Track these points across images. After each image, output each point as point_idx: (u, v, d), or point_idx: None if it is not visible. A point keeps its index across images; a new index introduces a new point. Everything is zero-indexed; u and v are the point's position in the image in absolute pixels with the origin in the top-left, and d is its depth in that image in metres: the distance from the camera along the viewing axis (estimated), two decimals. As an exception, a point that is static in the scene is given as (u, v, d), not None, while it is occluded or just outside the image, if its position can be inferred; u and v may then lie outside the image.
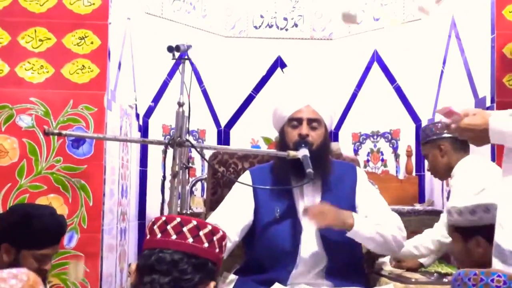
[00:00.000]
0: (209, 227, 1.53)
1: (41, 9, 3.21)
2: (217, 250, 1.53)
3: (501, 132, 1.69)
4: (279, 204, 2.32)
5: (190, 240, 1.49)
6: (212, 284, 1.51)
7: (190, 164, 4.42)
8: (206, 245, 1.50)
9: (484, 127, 1.71)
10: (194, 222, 1.52)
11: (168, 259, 1.46)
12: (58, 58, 3.19)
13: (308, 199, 2.33)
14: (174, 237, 1.49)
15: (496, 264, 1.71)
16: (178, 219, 1.52)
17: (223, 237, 1.56)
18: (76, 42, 3.21)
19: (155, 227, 1.53)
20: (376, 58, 4.77)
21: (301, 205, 2.31)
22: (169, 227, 1.51)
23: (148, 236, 1.54)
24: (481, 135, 1.72)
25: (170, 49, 2.35)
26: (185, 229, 1.50)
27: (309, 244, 2.27)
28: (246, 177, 2.41)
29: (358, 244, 2.39)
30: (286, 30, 5.11)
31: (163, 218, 1.53)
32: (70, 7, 3.22)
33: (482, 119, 1.72)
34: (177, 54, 2.36)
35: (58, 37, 3.20)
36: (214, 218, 2.32)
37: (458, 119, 1.75)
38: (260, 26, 5.11)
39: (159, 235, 1.51)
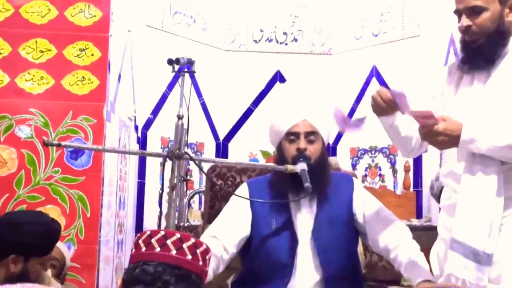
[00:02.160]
0: (192, 240, 1.56)
1: (42, 20, 3.23)
2: (200, 262, 1.55)
3: (471, 139, 1.86)
4: (276, 217, 2.32)
5: (174, 252, 1.52)
6: None
7: (188, 177, 4.42)
8: (189, 257, 1.53)
9: (457, 132, 1.87)
10: (178, 235, 1.55)
11: (152, 271, 1.48)
12: (59, 70, 3.20)
13: (305, 210, 2.33)
14: (158, 249, 1.53)
15: (467, 263, 1.86)
16: (162, 233, 1.55)
17: (207, 250, 1.59)
18: (77, 53, 3.23)
19: (140, 241, 1.57)
20: (375, 73, 4.79)
21: (298, 218, 2.32)
22: (153, 240, 1.54)
23: (133, 251, 1.57)
24: (452, 140, 1.87)
25: (170, 62, 2.36)
26: (168, 241, 1.53)
27: (305, 256, 2.27)
28: (243, 189, 2.41)
29: (355, 256, 2.39)
30: (286, 44, 5.13)
31: (148, 232, 1.57)
32: (71, 19, 3.25)
33: (458, 126, 1.87)
34: (176, 67, 2.37)
35: (58, 49, 3.22)
36: (211, 230, 2.32)
37: (434, 123, 1.87)
38: (260, 40, 5.13)
39: (143, 249, 1.54)
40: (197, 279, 1.53)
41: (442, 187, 2.21)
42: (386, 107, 2.00)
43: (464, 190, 1.93)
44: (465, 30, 1.97)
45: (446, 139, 1.88)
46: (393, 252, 2.24)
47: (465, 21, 1.95)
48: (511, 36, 1.99)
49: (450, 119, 1.89)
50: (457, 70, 2.09)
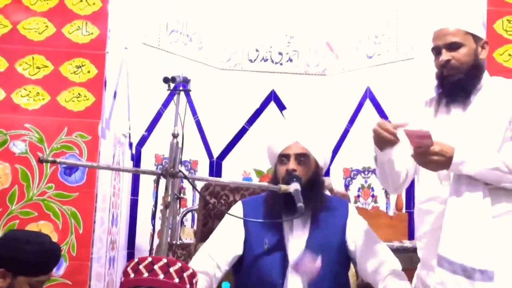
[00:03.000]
0: (179, 264, 1.62)
1: (40, 37, 3.26)
2: (187, 286, 1.60)
3: (462, 161, 1.96)
4: (269, 237, 2.33)
5: (161, 276, 1.58)
6: None
7: (182, 195, 4.42)
8: (176, 280, 1.58)
9: (450, 154, 1.96)
10: (165, 260, 1.61)
11: None
12: (55, 86, 3.22)
13: (297, 233, 2.34)
14: (146, 275, 1.58)
15: (457, 279, 1.93)
16: (149, 259, 1.61)
17: (193, 274, 1.64)
18: (73, 70, 3.25)
19: (128, 268, 1.63)
20: (368, 95, 4.83)
21: (290, 239, 2.33)
22: (141, 266, 1.60)
23: (122, 279, 1.62)
24: (446, 161, 1.96)
25: (166, 80, 2.39)
26: (156, 267, 1.59)
27: (295, 278, 2.28)
28: (238, 208, 2.43)
29: (346, 280, 2.40)
30: (281, 64, 5.17)
31: (136, 260, 1.62)
32: (68, 36, 3.27)
33: (450, 148, 1.97)
34: (172, 85, 2.39)
35: (55, 65, 3.24)
36: (205, 248, 2.34)
37: (431, 143, 1.94)
38: (255, 60, 5.17)
39: (132, 275, 1.60)
40: None
41: None
42: (389, 137, 2.03)
43: (450, 210, 2.01)
44: (444, 65, 2.10)
45: (441, 160, 1.96)
46: (381, 283, 2.27)
47: (445, 56, 2.10)
48: (484, 72, 2.16)
49: (443, 143, 1.97)
50: (432, 102, 2.23)
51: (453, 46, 2.09)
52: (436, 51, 2.14)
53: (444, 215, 2.02)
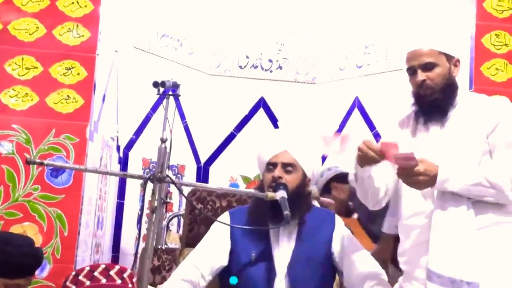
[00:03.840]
0: (118, 267, 1.66)
1: (30, 38, 3.25)
2: (130, 285, 1.64)
3: (447, 179, 2.01)
4: (255, 248, 2.33)
5: (104, 280, 1.60)
6: None
7: (168, 199, 4.42)
8: (119, 281, 1.62)
9: (435, 173, 2.01)
10: (103, 266, 1.65)
11: None
12: (44, 87, 3.21)
13: (283, 244, 2.35)
14: (88, 283, 1.59)
15: None
16: (88, 268, 1.64)
17: (132, 274, 1.68)
18: (63, 72, 3.24)
19: (67, 283, 1.63)
20: (357, 104, 4.85)
21: (276, 250, 2.33)
22: (80, 277, 1.62)
23: None
24: (430, 180, 2.01)
25: (156, 84, 2.39)
26: (96, 273, 1.63)
27: (282, 288, 2.29)
28: (225, 218, 2.43)
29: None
30: (271, 71, 5.19)
31: (73, 273, 1.65)
32: (59, 38, 3.27)
33: (434, 167, 2.02)
34: (162, 90, 2.39)
35: (45, 66, 3.23)
36: (190, 258, 2.35)
37: (415, 164, 1.99)
38: (245, 66, 5.18)
39: (73, 287, 1.63)
40: None
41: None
42: (375, 157, 2.07)
43: (437, 224, 2.06)
44: (420, 85, 2.17)
45: (426, 179, 2.01)
46: None
47: (421, 76, 2.16)
48: (457, 90, 2.21)
49: (426, 160, 2.03)
50: (409, 121, 2.28)
51: (428, 67, 2.15)
52: (411, 71, 2.20)
53: (431, 230, 2.06)
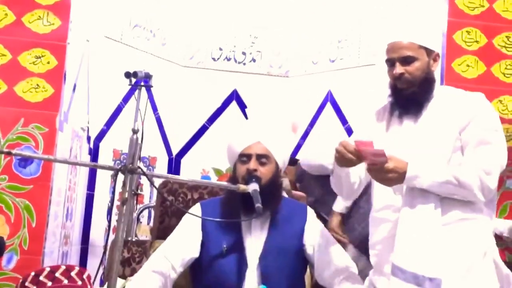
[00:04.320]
0: (77, 268, 1.67)
1: (-1, 25, 3.18)
2: (88, 286, 1.67)
3: (416, 176, 2.02)
4: (227, 239, 2.33)
5: (66, 281, 1.60)
6: None
7: (139, 191, 4.38)
8: (79, 282, 1.64)
9: (404, 170, 2.03)
10: (63, 267, 1.66)
11: None
12: (12, 75, 3.15)
13: (255, 235, 2.35)
14: (49, 284, 1.58)
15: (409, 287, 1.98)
16: (48, 268, 1.64)
17: (89, 276, 1.72)
18: (32, 60, 3.18)
19: (27, 283, 1.61)
20: (330, 98, 4.87)
21: (248, 241, 2.33)
22: (41, 277, 1.60)
23: None
24: (399, 177, 2.03)
25: (128, 74, 2.37)
26: (57, 274, 1.63)
27: (252, 281, 2.29)
28: (196, 209, 2.42)
29: (302, 283, 2.42)
30: (244, 64, 5.17)
31: (32, 273, 1.64)
32: (28, 25, 3.21)
33: (403, 163, 2.03)
34: (134, 80, 2.37)
35: (14, 54, 3.17)
36: (161, 249, 2.34)
37: (385, 161, 2.00)
38: (218, 59, 5.16)
39: None
40: None
41: None
42: (353, 159, 2.06)
43: (404, 220, 2.08)
44: (398, 77, 2.17)
45: (395, 176, 2.03)
46: (336, 286, 2.29)
47: (399, 69, 2.16)
48: (435, 84, 2.22)
49: (396, 157, 2.05)
50: (385, 113, 2.29)
51: (407, 60, 2.15)
52: (390, 63, 2.20)
53: (398, 225, 2.08)
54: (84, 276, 1.63)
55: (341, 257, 2.38)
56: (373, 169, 2.04)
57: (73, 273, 1.61)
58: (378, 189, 2.22)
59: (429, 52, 2.18)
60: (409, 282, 2.00)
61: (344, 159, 2.08)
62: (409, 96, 2.17)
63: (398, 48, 2.16)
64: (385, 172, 2.02)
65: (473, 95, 2.21)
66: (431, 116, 2.17)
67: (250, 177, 2.26)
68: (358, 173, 2.24)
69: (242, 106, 5.09)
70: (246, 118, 4.93)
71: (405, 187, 2.10)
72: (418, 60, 2.15)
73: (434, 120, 2.15)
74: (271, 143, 2.36)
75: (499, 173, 2.09)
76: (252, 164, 2.31)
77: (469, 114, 2.12)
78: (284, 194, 2.70)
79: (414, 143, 2.13)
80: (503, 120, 2.88)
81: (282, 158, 2.39)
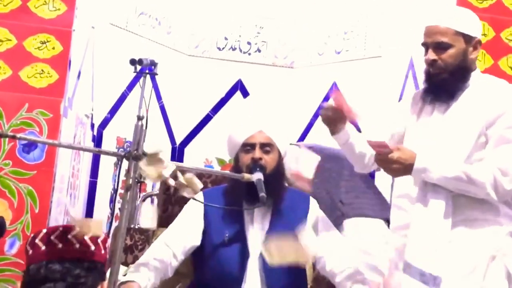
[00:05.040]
0: None
1: (4, 9, 3.17)
2: (103, 251, 1.57)
3: (424, 169, 1.99)
4: (229, 228, 2.33)
5: (77, 245, 1.52)
6: (105, 284, 1.55)
7: (142, 179, 4.37)
8: (92, 248, 1.54)
9: (410, 161, 1.99)
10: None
11: (59, 268, 1.48)
12: (17, 60, 3.14)
13: (257, 225, 2.35)
14: (60, 245, 1.52)
15: (415, 284, 1.97)
16: (61, 228, 1.55)
17: (106, 239, 1.61)
18: (37, 46, 3.17)
19: (37, 240, 1.55)
20: (334, 90, 4.85)
21: (250, 231, 2.33)
22: (52, 237, 1.53)
23: (30, 252, 1.54)
24: (405, 168, 2.00)
25: (133, 62, 2.36)
26: (70, 236, 1.53)
27: (254, 270, 2.29)
28: (199, 197, 2.41)
29: (303, 273, 2.42)
30: (249, 54, 5.15)
31: (44, 230, 1.55)
32: (34, 10, 3.19)
33: (411, 155, 2.00)
34: (139, 68, 2.36)
35: (19, 39, 3.16)
36: (163, 236, 2.34)
37: (389, 152, 1.99)
38: (223, 48, 5.14)
39: (43, 248, 1.52)
40: (103, 267, 1.56)
41: None
42: (334, 115, 2.12)
43: (416, 216, 2.06)
44: (431, 63, 2.09)
45: (400, 167, 2.01)
46: (339, 276, 2.29)
47: (431, 55, 2.08)
48: (472, 72, 2.13)
49: (404, 149, 2.03)
50: (420, 98, 2.22)
51: (441, 46, 2.07)
52: (425, 47, 2.12)
53: (410, 222, 2.06)
54: (99, 240, 1.57)
55: (343, 249, 2.38)
56: (378, 158, 2.04)
57: (86, 237, 1.55)
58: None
59: (468, 39, 2.08)
60: (415, 278, 1.99)
61: (328, 118, 2.14)
62: (440, 83, 2.09)
63: (434, 32, 2.07)
64: (389, 162, 2.01)
65: (507, 87, 2.13)
66: (460, 108, 2.09)
67: (255, 166, 2.25)
68: (368, 148, 2.16)
69: (247, 96, 5.08)
70: (247, 106, 4.91)
71: (420, 181, 2.06)
72: (453, 47, 2.06)
73: (462, 113, 2.08)
74: (273, 131, 2.35)
75: None
76: (257, 153, 2.30)
77: (498, 110, 2.04)
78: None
79: (438, 136, 2.08)
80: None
81: (283, 146, 2.39)
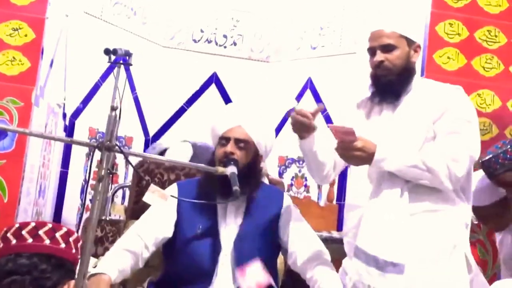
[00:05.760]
0: (65, 229, 1.59)
1: (-25, -6, 3.10)
2: (73, 250, 1.58)
3: (384, 158, 2.05)
4: (202, 221, 2.32)
5: (47, 241, 1.53)
6: (72, 282, 1.54)
7: (114, 170, 4.34)
8: (63, 245, 1.55)
9: (372, 151, 2.05)
10: (50, 225, 1.57)
11: (27, 262, 1.49)
12: (-12, 47, 3.08)
13: (230, 219, 2.34)
14: (30, 240, 1.53)
15: (370, 270, 2.02)
16: (33, 224, 1.56)
17: (78, 239, 1.62)
18: (9, 32, 3.11)
19: (8, 234, 1.56)
20: (309, 85, 4.86)
21: (223, 225, 2.32)
22: (24, 232, 1.55)
23: (1, 245, 1.55)
24: (367, 157, 2.05)
25: (107, 51, 2.33)
26: (41, 232, 1.55)
27: (226, 265, 2.28)
28: (173, 189, 2.40)
29: (274, 267, 2.42)
30: (225, 47, 5.14)
31: (17, 225, 1.56)
32: (7, -3, 3.13)
33: (373, 145, 2.06)
34: (113, 58, 2.33)
35: (-10, 25, 3.10)
36: (135, 227, 2.31)
37: (354, 140, 2.03)
38: (199, 40, 5.11)
39: (14, 241, 1.53)
40: (72, 266, 1.56)
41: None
42: (306, 121, 2.11)
43: (370, 205, 2.11)
44: (378, 65, 2.19)
45: (363, 155, 2.05)
46: (310, 272, 2.30)
47: (379, 57, 2.18)
48: (414, 75, 2.24)
49: (365, 139, 2.07)
50: (368, 100, 2.31)
51: (387, 48, 2.17)
52: (371, 51, 2.21)
53: (363, 212, 2.11)
54: (71, 239, 1.57)
55: (315, 244, 2.39)
56: (341, 146, 2.06)
57: (58, 234, 1.55)
58: (353, 177, 2.24)
59: (410, 42, 2.20)
60: (370, 265, 2.03)
61: (298, 123, 2.12)
62: (387, 84, 2.19)
63: (379, 36, 2.18)
64: (353, 150, 2.03)
65: (450, 87, 2.23)
66: (408, 106, 2.19)
67: (227, 160, 2.24)
68: (332, 156, 2.23)
69: (222, 89, 5.06)
70: (227, 103, 4.90)
71: (376, 175, 2.12)
72: (398, 49, 2.17)
73: (410, 110, 2.17)
74: (251, 128, 2.34)
75: (469, 163, 2.11)
76: (230, 147, 2.29)
77: (443, 105, 2.14)
78: (264, 181, 2.69)
79: (390, 132, 2.15)
80: (480, 114, 2.91)
81: (262, 144, 2.37)
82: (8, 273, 1.47)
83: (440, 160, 2.06)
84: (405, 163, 2.06)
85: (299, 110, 2.11)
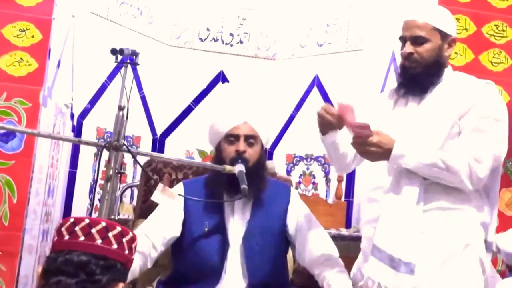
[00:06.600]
0: (119, 229, 1.52)
1: (-18, -4, 3.11)
2: (126, 251, 1.52)
3: (402, 155, 2.00)
4: (209, 219, 2.32)
5: (99, 241, 1.48)
6: (121, 285, 1.50)
7: (122, 170, 4.34)
8: (115, 246, 1.49)
9: (389, 146, 2.01)
10: (103, 224, 1.51)
11: (75, 261, 1.44)
12: (-4, 48, 3.09)
13: (238, 216, 2.34)
14: (82, 238, 1.48)
15: (384, 268, 1.99)
16: (87, 221, 1.50)
17: (133, 238, 1.55)
18: (16, 33, 3.12)
19: (62, 229, 1.51)
20: (316, 82, 4.85)
21: (230, 222, 2.32)
22: (77, 228, 1.49)
23: (55, 238, 1.52)
24: (384, 153, 2.00)
25: (114, 51, 2.33)
26: (93, 230, 1.49)
27: (235, 261, 2.28)
28: (179, 188, 2.40)
29: (284, 264, 2.42)
30: (231, 45, 5.13)
31: (71, 220, 1.52)
32: (13, -2, 3.14)
33: (390, 140, 2.01)
34: (120, 57, 2.33)
35: (-3, 27, 3.11)
36: (142, 227, 2.32)
37: (369, 134, 1.99)
38: (205, 39, 5.11)
39: (66, 237, 1.49)
40: (123, 268, 1.51)
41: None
42: (333, 121, 2.05)
43: (388, 201, 2.07)
44: (407, 57, 2.14)
45: (379, 151, 2.01)
46: (318, 268, 2.29)
47: (408, 48, 2.13)
48: (445, 68, 2.18)
49: (383, 134, 2.02)
50: (394, 92, 2.26)
51: (418, 40, 2.11)
52: (402, 40, 2.16)
53: (382, 209, 2.08)
54: (124, 240, 1.51)
55: (323, 240, 2.38)
56: (356, 141, 2.02)
57: (111, 234, 1.49)
58: (371, 169, 2.20)
59: (444, 35, 2.13)
60: (384, 263, 2.00)
61: (325, 122, 2.09)
62: (414, 77, 2.14)
63: (411, 26, 2.12)
64: (368, 145, 2.00)
65: (480, 82, 2.17)
66: (434, 99, 2.13)
67: (239, 158, 2.25)
68: (351, 148, 2.17)
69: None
70: (232, 95, 4.89)
71: (395, 168, 2.08)
72: (430, 42, 2.11)
73: (437, 103, 2.11)
74: (257, 123, 2.35)
75: (493, 163, 2.05)
76: (242, 146, 2.29)
77: (470, 100, 2.08)
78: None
79: (413, 125, 2.11)
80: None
81: (266, 138, 2.39)
82: (56, 270, 1.43)
83: (461, 159, 2.01)
84: (424, 161, 2.01)
85: (327, 107, 2.08)
